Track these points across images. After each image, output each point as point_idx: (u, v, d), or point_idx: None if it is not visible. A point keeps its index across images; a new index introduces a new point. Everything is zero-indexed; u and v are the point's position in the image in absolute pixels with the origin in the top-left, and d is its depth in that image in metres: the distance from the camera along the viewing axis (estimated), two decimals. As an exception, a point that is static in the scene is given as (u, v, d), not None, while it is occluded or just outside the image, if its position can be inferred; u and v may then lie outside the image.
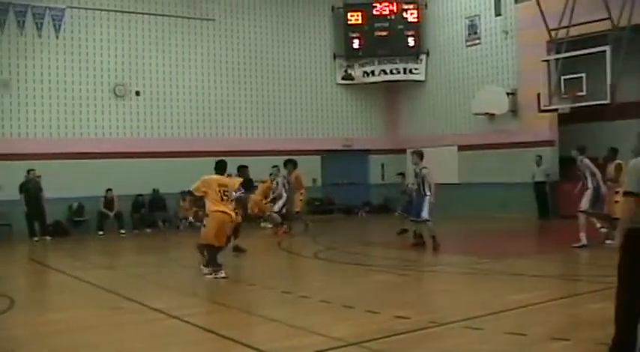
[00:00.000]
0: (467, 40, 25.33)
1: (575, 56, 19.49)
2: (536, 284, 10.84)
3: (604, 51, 18.09)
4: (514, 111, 23.37)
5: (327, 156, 25.89)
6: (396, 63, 26.93)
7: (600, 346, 6.76)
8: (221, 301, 9.82)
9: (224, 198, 11.74)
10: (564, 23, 19.82)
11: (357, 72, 27.21)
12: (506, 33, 23.79)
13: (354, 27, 26.80)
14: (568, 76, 19.67)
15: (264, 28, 25.57)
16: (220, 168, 12.35)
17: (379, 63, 26.97)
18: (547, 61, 20.52)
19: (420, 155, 15.28)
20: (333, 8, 26.98)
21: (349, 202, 25.73)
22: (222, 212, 11.68)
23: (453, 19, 25.89)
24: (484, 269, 12.56)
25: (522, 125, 23.10)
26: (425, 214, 14.86)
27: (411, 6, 26.64)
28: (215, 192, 11.73)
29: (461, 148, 25.16)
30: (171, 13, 23.45)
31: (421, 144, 26.06)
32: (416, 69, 26.86)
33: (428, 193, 14.85)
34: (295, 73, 26.27)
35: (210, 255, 11.87)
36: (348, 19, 26.78)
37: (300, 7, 26.42)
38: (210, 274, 11.65)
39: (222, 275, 11.56)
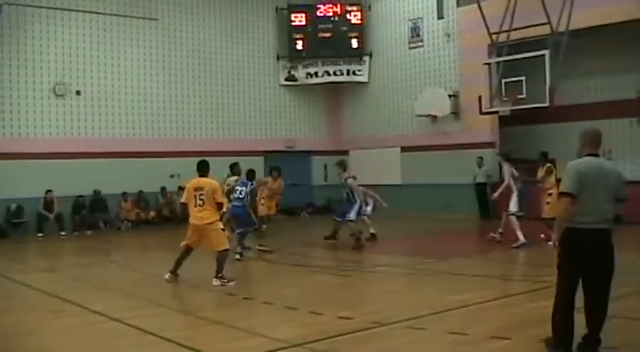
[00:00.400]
0: (410, 43, 25.54)
1: (515, 60, 19.80)
2: (477, 284, 10.97)
3: (543, 55, 18.44)
4: (456, 113, 23.66)
5: (270, 157, 25.82)
6: (339, 64, 27.04)
7: (540, 344, 6.87)
8: (163, 303, 9.70)
9: (199, 203, 11.09)
10: (505, 27, 20.14)
11: (300, 73, 27.23)
12: (449, 36, 24.07)
13: (298, 28, 26.81)
14: (509, 79, 19.99)
15: (208, 28, 25.40)
16: (200, 168, 11.59)
17: (322, 64, 27.04)
18: (488, 64, 20.80)
19: (342, 166, 15.73)
20: (276, 9, 26.94)
21: (292, 203, 25.65)
22: (192, 223, 11.15)
23: (396, 21, 26.09)
24: (426, 269, 12.67)
25: (464, 127, 23.40)
26: (352, 216, 15.48)
27: (355, 8, 26.75)
28: (192, 197, 11.20)
29: (404, 149, 25.35)
30: (113, 11, 23.07)
31: (364, 146, 26.39)
32: (359, 70, 27.00)
33: (357, 200, 15.46)
34: (239, 74, 26.15)
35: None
36: (291, 20, 26.76)
37: (244, 7, 26.31)
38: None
39: (166, 277, 11.40)
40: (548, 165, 15.80)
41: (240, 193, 14.30)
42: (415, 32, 25.34)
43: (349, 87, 27.63)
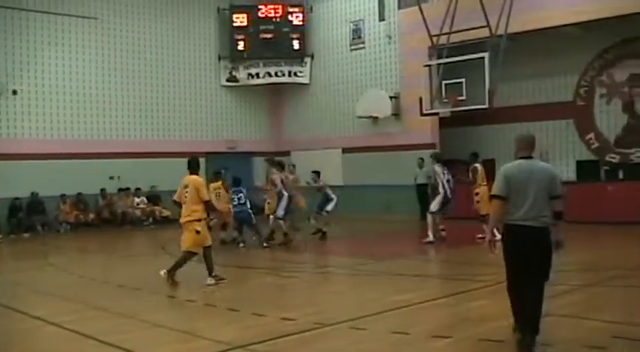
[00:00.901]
0: (351, 44, 25.66)
1: (455, 62, 20.02)
2: (418, 285, 11.10)
3: (483, 57, 18.67)
4: (397, 114, 23.84)
5: (212, 158, 25.67)
6: (281, 65, 27.02)
7: (481, 342, 7.00)
8: (104, 306, 9.57)
9: (184, 200, 11.08)
10: (445, 29, 20.36)
11: (241, 74, 27.12)
12: (390, 38, 24.25)
13: (240, 29, 26.70)
14: (449, 81, 20.17)
15: (149, 27, 25.13)
16: (190, 166, 11.51)
17: (264, 65, 26.99)
18: (429, 66, 21.00)
19: (272, 162, 17.48)
20: (218, 9, 26.80)
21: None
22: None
23: (337, 23, 26.18)
24: (368, 270, 12.76)
25: (405, 128, 23.60)
26: (280, 213, 16.34)
27: (296, 9, 26.76)
28: (182, 195, 11.17)
29: (345, 150, 25.46)
30: (52, 10, 22.64)
31: (305, 147, 26.41)
32: (301, 72, 27.03)
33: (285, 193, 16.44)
34: (180, 74, 25.93)
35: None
36: (233, 21, 26.65)
37: (186, 7, 26.11)
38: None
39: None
40: (475, 165, 16.38)
41: (240, 199, 15.88)
42: (356, 34, 25.48)
43: (291, 88, 27.63)
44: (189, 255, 11.14)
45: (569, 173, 21.64)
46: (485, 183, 16.10)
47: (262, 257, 15.12)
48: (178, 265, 11.10)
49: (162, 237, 18.70)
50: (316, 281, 11.90)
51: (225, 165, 18.84)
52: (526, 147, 6.94)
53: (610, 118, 21.46)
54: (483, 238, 15.09)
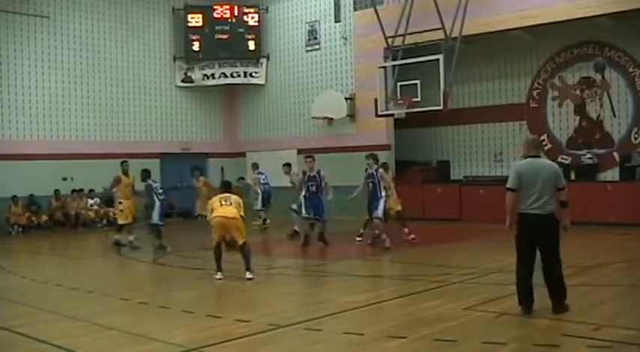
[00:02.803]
0: (307, 45, 25.69)
1: (410, 63, 20.09)
2: (372, 285, 11.20)
3: (437, 59, 18.79)
4: (352, 115, 23.94)
5: (166, 159, 25.50)
6: (236, 66, 26.93)
7: (435, 342, 7.06)
8: (55, 310, 9.42)
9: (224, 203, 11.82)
10: (400, 31, 20.45)
11: (196, 74, 26.99)
12: (345, 39, 24.34)
13: (195, 29, 26.55)
14: (404, 83, 20.20)
15: (102, 27, 24.82)
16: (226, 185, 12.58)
17: (219, 66, 26.88)
18: (384, 67, 21.08)
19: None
20: (173, 9, 26.62)
21: (189, 206, 25.28)
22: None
23: (293, 24, 26.19)
24: (323, 271, 12.81)
25: (360, 129, 23.71)
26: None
27: (252, 10, 26.69)
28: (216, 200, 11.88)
29: (300, 151, 25.41)
30: (1, 7, 22.27)
31: (261, 148, 26.37)
32: (256, 72, 26.97)
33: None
34: (133, 74, 25.69)
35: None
36: (188, 21, 26.48)
37: (140, 6, 25.88)
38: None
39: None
40: (380, 169, 16.57)
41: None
42: (312, 35, 25.52)
43: (246, 89, 27.56)
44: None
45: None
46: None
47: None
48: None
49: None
50: (270, 282, 11.84)
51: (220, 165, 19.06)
52: (534, 147, 8.40)
53: (562, 120, 21.82)
54: (415, 239, 16.16)
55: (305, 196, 16.56)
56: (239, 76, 26.99)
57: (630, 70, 20.44)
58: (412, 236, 16.31)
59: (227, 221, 11.51)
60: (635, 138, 20.30)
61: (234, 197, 11.81)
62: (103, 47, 24.85)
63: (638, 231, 16.97)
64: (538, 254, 8.19)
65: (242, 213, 11.66)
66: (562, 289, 8.17)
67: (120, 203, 17.26)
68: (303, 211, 16.54)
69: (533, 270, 8.17)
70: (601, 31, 20.42)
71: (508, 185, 8.23)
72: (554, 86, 22.03)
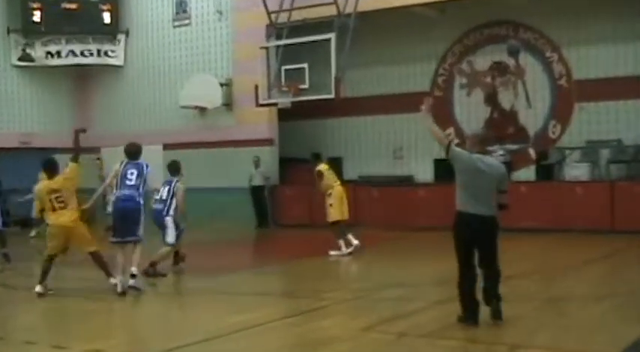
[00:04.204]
0: (174, 20, 25.43)
1: (297, 44, 20.19)
2: (256, 303, 11.12)
3: (329, 39, 18.91)
4: (228, 104, 23.94)
5: (1, 155, 24.72)
6: (88, 43, 26.37)
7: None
8: None
9: (57, 205, 11.66)
10: (286, 6, 20.53)
11: (38, 52, 26.25)
12: (220, 13, 24.22)
13: (35, -4, 25.87)
14: (289, 66, 20.23)
15: None
16: (49, 168, 12.29)
17: (67, 42, 26.25)
18: (266, 48, 21.04)
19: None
20: (8, -28, 25.92)
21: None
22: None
23: (157, -7, 25.95)
24: (197, 288, 12.69)
25: (238, 121, 23.70)
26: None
27: (107, -24, 26.28)
28: (47, 201, 11.74)
29: (167, 147, 25.17)
30: None
31: (119, 142, 25.61)
32: (113, 51, 26.51)
33: None
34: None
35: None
36: (26, -14, 25.79)
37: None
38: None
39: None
40: (317, 169, 16.60)
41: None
42: (181, 8, 25.26)
43: (100, 71, 27.10)
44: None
45: (425, 173, 22.44)
46: (338, 183, 16.61)
47: (69, 276, 14.60)
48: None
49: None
50: (133, 303, 11.62)
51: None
52: (476, 144, 8.87)
53: (471, 111, 22.42)
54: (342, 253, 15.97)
55: None
56: (91, 54, 26.46)
57: (547, 54, 21.25)
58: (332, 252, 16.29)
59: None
60: (553, 133, 21.13)
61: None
62: None
63: (554, 237, 17.59)
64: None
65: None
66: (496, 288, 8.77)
67: None
68: None
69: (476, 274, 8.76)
70: (516, 9, 21.13)
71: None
72: (462, 72, 22.67)
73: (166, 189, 14.21)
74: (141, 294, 11.73)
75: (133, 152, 12.53)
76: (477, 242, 8.70)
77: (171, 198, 14.04)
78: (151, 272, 13.36)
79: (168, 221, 13.86)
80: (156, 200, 14.55)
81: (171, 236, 13.84)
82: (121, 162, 12.37)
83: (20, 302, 11.77)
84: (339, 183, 16.68)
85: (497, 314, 8.56)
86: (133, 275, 11.72)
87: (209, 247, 18.42)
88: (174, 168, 14.98)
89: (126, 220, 12.02)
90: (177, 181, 14.43)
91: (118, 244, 12.04)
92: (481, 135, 9.29)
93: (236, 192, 22.60)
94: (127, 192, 12.00)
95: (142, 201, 12.09)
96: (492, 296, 8.63)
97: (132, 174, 12.07)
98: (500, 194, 8.74)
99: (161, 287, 13.11)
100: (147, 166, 12.33)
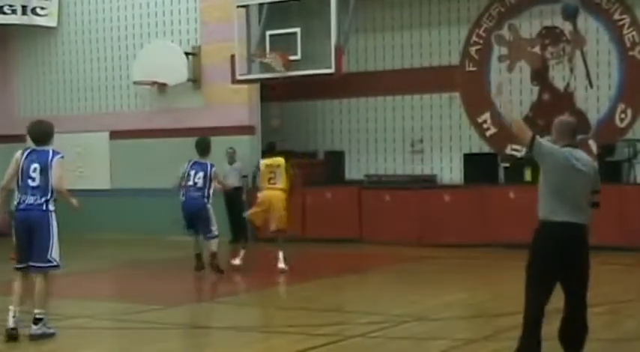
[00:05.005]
0: (125, -32, 25.40)
1: (286, 1, 20.18)
2: (229, 342, 11.16)
3: (328, -3, 18.90)
4: (196, 80, 23.91)
5: None
6: (10, -3, 26.34)
7: None
8: None
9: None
10: (271, -50, 20.50)
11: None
12: (186, -41, 24.22)
13: None
14: (275, 31, 20.20)
15: None
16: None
17: (-17, -5, 26.24)
18: (244, 6, 20.93)
19: None
20: None
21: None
22: None
23: None
24: (150, 321, 12.55)
25: (208, 102, 23.70)
26: None
27: None
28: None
29: (114, 135, 25.10)
30: None
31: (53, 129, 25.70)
32: (42, 8, 26.40)
33: None
34: None
35: None
36: None
37: None
38: None
39: None
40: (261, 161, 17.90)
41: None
42: (134, -50, 25.26)
43: (27, 34, 27.06)
44: None
45: (452, 172, 22.36)
46: (268, 187, 17.57)
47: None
48: None
49: None
50: (62, 341, 11.49)
51: None
52: (567, 134, 8.65)
53: (513, 91, 22.24)
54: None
55: None
56: (14, 12, 26.37)
57: (616, 16, 21.11)
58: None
59: None
60: (622, 120, 21.00)
61: None
62: None
63: (627, 256, 17.46)
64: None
65: None
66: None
67: None
68: None
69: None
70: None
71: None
72: (501, 40, 22.56)
73: (201, 174, 16.64)
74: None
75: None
76: (567, 261, 8.32)
77: (210, 183, 16.73)
78: (215, 264, 16.45)
79: (210, 210, 16.59)
80: (189, 187, 16.91)
81: (215, 225, 16.73)
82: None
83: None
84: (272, 186, 17.56)
85: None
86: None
87: (167, 268, 18.34)
88: (205, 148, 17.38)
89: None
90: (212, 166, 16.96)
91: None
92: (572, 123, 8.86)
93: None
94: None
95: None
96: (578, 337, 8.48)
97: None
98: (594, 194, 8.55)
99: (99, 319, 12.97)
100: None
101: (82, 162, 20.72)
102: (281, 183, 17.51)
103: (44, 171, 10.64)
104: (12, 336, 10.37)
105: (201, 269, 17.40)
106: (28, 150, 10.92)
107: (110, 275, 18.46)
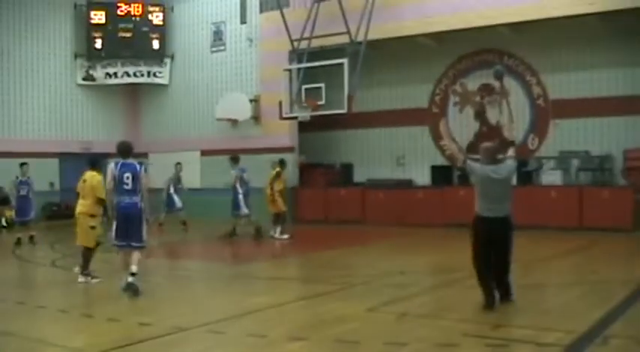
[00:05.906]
0: (212, 46, 25.57)
1: (315, 67, 20.32)
2: (274, 287, 11.26)
3: (342, 63, 18.98)
4: (256, 117, 23.96)
5: (65, 159, 24.83)
6: (139, 65, 26.55)
7: (336, 343, 7.17)
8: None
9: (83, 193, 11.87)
10: (306, 34, 20.62)
11: (99, 73, 26.44)
12: (251, 41, 24.31)
13: (97, 26, 26.02)
14: (308, 86, 20.41)
15: (0, 21, 24.06)
16: (91, 162, 12.27)
17: (122, 65, 26.44)
18: (289, 70, 21.12)
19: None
20: (75, 6, 25.99)
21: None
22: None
23: (198, 24, 26.01)
24: (224, 273, 12.78)
25: (264, 131, 23.75)
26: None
27: (157, 8, 26.36)
28: (80, 188, 11.94)
29: (204, 153, 25.30)
30: None
31: (163, 148, 26.02)
32: (160, 72, 26.65)
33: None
34: (33, 71, 24.94)
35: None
36: (90, 18, 25.93)
37: (40, 2, 25.13)
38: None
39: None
40: (278, 170, 18.28)
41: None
42: (217, 36, 25.40)
43: (149, 88, 27.21)
44: (86, 250, 11.57)
45: (424, 177, 22.46)
46: (267, 187, 18.15)
47: (118, 261, 14.69)
48: (86, 261, 11.53)
49: (11, 240, 17.83)
50: (173, 284, 11.70)
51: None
52: (488, 156, 8.96)
53: (463, 125, 22.39)
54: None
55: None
56: (142, 75, 26.62)
57: (527, 78, 21.26)
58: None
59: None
60: (532, 144, 21.09)
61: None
62: (1, 42, 24.04)
63: (531, 234, 17.48)
64: None
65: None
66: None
67: None
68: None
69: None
70: (501, 40, 21.14)
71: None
72: (455, 92, 22.65)
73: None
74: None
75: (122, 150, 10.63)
76: (491, 239, 8.66)
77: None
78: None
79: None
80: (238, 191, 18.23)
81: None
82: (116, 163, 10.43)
83: (77, 283, 11.76)
84: (268, 187, 18.26)
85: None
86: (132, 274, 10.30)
87: (237, 240, 18.40)
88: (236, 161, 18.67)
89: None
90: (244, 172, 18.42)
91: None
92: (491, 148, 9.09)
93: (262, 191, 22.52)
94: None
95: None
96: (504, 284, 8.79)
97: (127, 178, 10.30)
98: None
99: (194, 272, 13.18)
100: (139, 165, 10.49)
101: (183, 171, 20.86)
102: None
103: (135, 178, 10.25)
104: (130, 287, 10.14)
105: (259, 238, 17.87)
106: (120, 163, 10.34)
107: (200, 244, 18.59)
